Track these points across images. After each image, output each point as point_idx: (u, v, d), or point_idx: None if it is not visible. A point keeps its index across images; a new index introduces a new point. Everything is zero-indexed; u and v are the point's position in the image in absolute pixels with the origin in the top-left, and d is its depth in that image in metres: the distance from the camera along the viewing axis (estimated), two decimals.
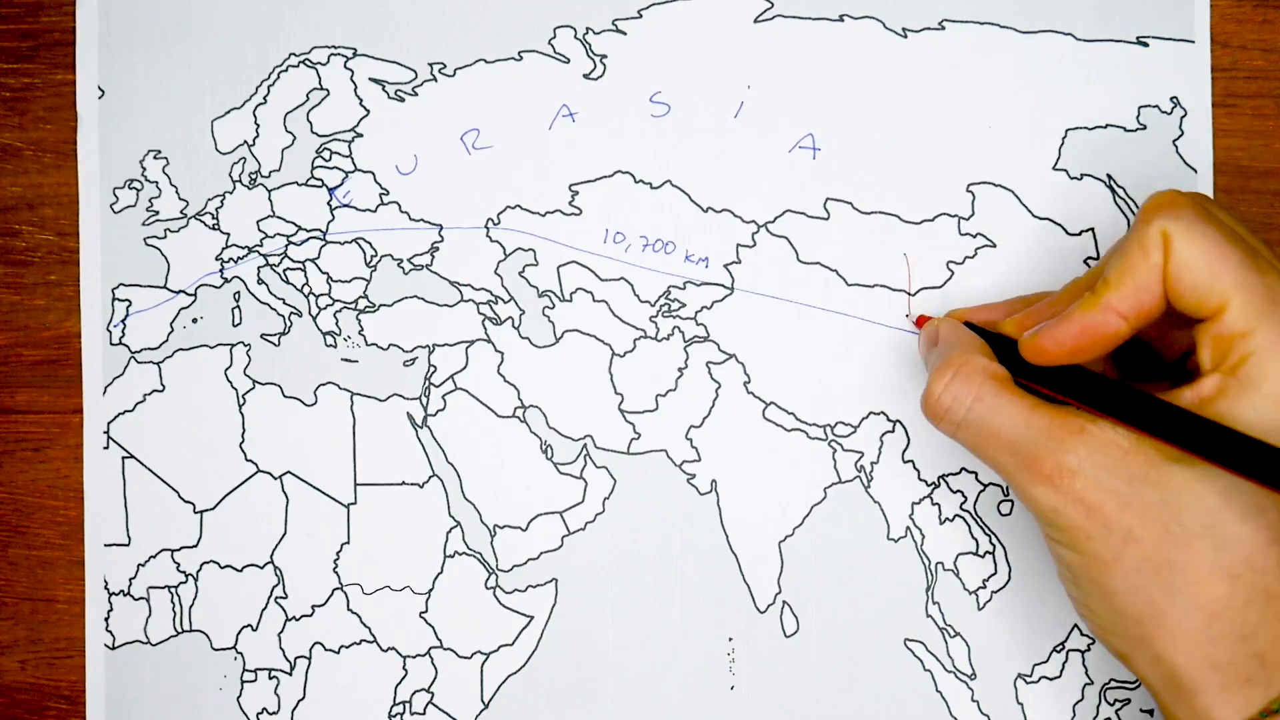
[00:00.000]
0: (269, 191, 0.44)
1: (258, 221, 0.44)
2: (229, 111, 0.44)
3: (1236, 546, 0.33)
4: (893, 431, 0.43)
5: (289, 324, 0.44)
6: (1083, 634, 0.43)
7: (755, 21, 0.44)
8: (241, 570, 0.44)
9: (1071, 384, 0.36)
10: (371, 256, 0.44)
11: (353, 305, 0.44)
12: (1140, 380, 0.38)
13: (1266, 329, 0.33)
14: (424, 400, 0.44)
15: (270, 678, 0.43)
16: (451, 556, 0.43)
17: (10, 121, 0.44)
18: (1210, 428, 0.32)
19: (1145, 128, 0.44)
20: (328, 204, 0.44)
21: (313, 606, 0.43)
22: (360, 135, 0.44)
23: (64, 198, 0.44)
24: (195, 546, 0.44)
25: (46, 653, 0.44)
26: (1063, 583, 0.37)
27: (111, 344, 0.44)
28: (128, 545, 0.44)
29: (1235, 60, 0.44)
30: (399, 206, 0.44)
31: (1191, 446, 0.33)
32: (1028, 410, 0.35)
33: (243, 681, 0.44)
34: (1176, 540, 0.33)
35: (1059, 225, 0.43)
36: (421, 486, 0.44)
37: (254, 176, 0.44)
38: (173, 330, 0.44)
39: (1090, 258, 0.43)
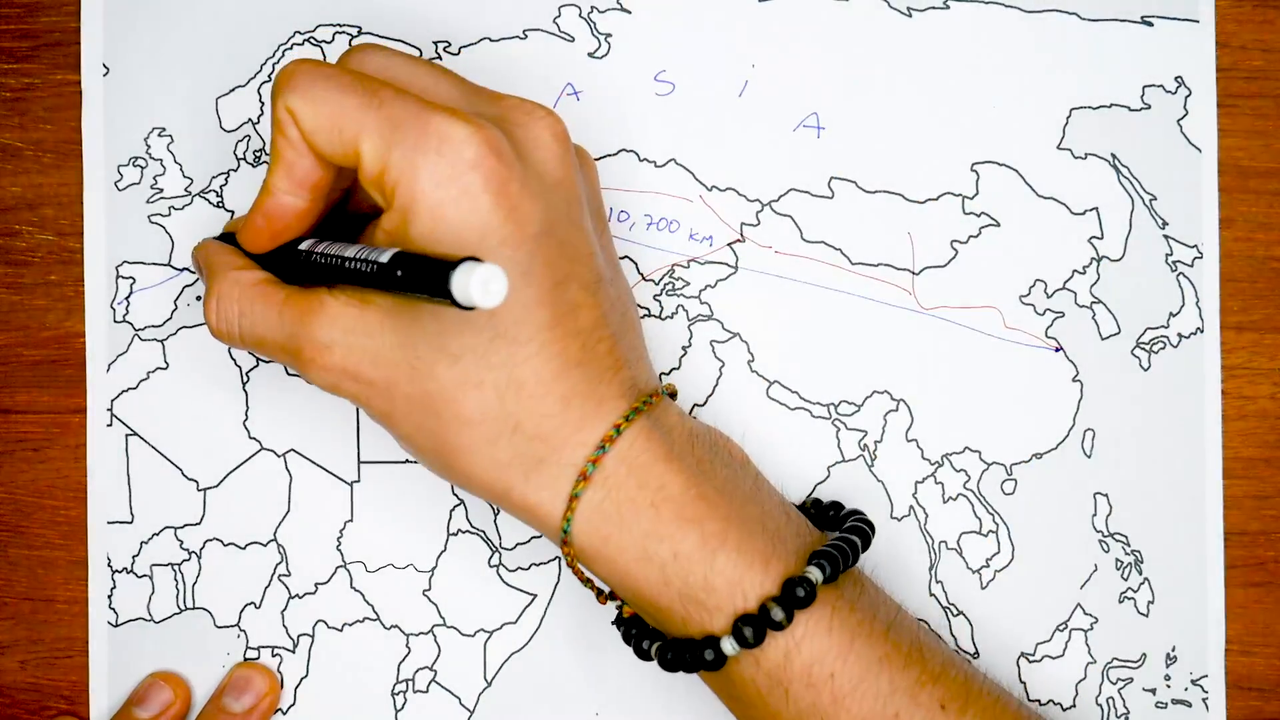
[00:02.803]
0: None
1: None
2: (234, 89, 0.44)
3: (466, 355, 0.34)
4: (896, 410, 0.43)
5: None
6: (1086, 613, 0.43)
7: (760, 0, 0.44)
8: (245, 548, 0.44)
9: (296, 263, 0.37)
10: None
11: None
12: None
13: (398, 156, 0.33)
14: None
15: (273, 655, 0.43)
16: (455, 534, 0.43)
17: (10, 121, 0.44)
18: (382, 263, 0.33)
19: (1150, 107, 0.44)
20: None
21: (316, 584, 0.43)
22: None
23: (64, 197, 0.44)
24: (199, 524, 0.44)
25: (46, 653, 0.44)
26: None
27: (115, 321, 0.44)
28: (131, 523, 0.44)
29: (1235, 60, 0.44)
30: None
31: (384, 286, 0.33)
32: (280, 306, 0.36)
33: (246, 659, 0.43)
34: (421, 373, 0.35)
35: (1063, 204, 0.43)
36: None
37: (258, 154, 0.44)
38: (176, 308, 0.44)
39: (1094, 237, 0.43)
